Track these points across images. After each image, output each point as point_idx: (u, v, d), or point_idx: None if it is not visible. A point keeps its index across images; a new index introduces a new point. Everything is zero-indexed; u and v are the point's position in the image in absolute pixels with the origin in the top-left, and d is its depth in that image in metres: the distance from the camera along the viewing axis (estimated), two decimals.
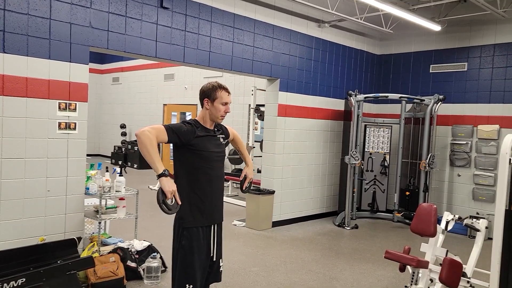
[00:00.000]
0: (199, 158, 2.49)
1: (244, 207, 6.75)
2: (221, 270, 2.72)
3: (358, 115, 6.98)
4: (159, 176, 2.29)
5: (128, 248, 4.21)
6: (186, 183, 2.50)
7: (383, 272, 4.71)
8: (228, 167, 10.56)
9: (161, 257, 4.36)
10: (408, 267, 3.62)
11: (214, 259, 2.61)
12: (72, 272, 3.47)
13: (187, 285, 2.46)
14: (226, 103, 2.56)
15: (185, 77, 12.70)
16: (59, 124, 4.20)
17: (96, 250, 4.22)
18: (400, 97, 7.03)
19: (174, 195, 2.32)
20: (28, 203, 4.03)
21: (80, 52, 4.30)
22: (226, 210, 7.37)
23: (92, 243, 4.27)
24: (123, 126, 15.16)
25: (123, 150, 14.10)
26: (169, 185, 2.29)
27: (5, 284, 3.12)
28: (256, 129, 8.76)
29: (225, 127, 2.80)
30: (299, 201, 6.90)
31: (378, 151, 7.52)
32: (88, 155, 17.60)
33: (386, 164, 7.47)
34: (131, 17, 4.64)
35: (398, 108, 7.26)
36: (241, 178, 2.94)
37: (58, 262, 3.50)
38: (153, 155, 2.27)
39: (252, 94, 7.93)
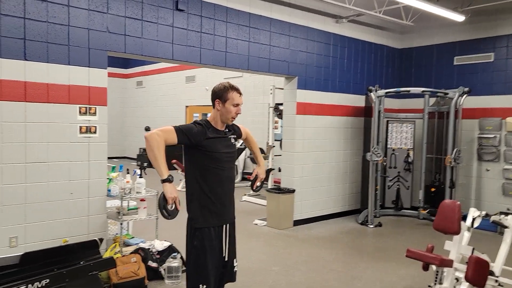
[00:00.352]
0: (210, 159, 2.49)
1: (265, 206, 6.73)
2: (236, 270, 2.70)
3: (379, 111, 6.84)
4: (163, 181, 2.32)
5: (149, 248, 4.26)
6: (197, 184, 2.51)
7: (407, 270, 4.60)
8: (249, 166, 10.58)
9: (181, 257, 4.39)
10: (432, 265, 3.52)
11: (227, 259, 2.59)
12: (94, 272, 3.54)
13: (200, 285, 2.46)
14: (237, 105, 2.54)
15: (206, 78, 12.79)
16: (80, 128, 4.29)
17: (119, 251, 4.30)
18: (423, 91, 6.85)
19: (175, 201, 2.34)
20: (52, 205, 4.14)
21: (98, 57, 4.37)
22: (247, 209, 7.40)
23: (114, 244, 4.34)
24: (147, 129, 15.36)
25: None
26: (171, 191, 2.32)
27: (29, 285, 3.20)
28: (277, 128, 8.73)
29: (237, 126, 2.79)
30: (320, 199, 6.83)
31: (401, 147, 7.36)
32: (114, 157, 17.99)
33: (410, 160, 7.30)
34: (147, 20, 4.69)
35: (421, 102, 7.09)
36: (252, 177, 2.94)
37: (81, 263, 3.57)
38: (159, 159, 2.30)
39: (271, 93, 7.90)
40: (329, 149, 6.90)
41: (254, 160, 9.70)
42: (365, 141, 7.28)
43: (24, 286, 3.18)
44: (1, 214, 3.87)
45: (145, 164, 14.07)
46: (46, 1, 3.99)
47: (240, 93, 2.57)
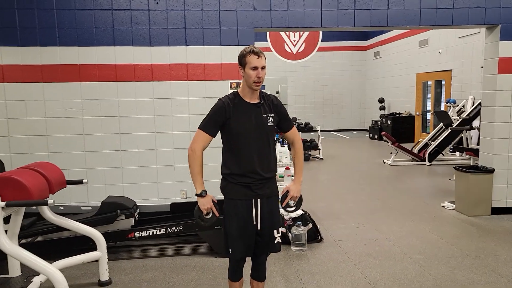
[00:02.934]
0: (235, 136, 2.46)
1: None
2: (279, 242, 2.58)
3: None
4: (196, 195, 2.47)
5: (282, 214, 4.42)
6: (223, 159, 2.55)
7: None
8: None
9: (316, 228, 4.38)
10: None
11: (259, 228, 2.51)
12: (219, 227, 4.03)
13: (229, 248, 2.52)
14: (255, 68, 2.38)
15: (439, 41, 11.38)
16: None
17: None
18: None
19: (212, 209, 2.47)
20: (210, 168, 4.85)
21: (246, 35, 4.74)
22: (446, 188, 6.37)
23: None
24: (381, 100, 15.03)
25: (379, 124, 14.05)
26: (203, 204, 2.46)
27: (168, 229, 4.00)
28: None
29: (281, 105, 2.57)
30: None
31: None
32: (352, 130, 18.66)
33: None
34: None
35: None
36: (281, 193, 2.62)
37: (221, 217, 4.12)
38: (193, 175, 2.44)
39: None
40: None
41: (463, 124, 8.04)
42: None
43: (164, 229, 4.00)
44: (174, 171, 4.87)
45: (376, 136, 13.90)
46: None
47: (259, 56, 2.38)
